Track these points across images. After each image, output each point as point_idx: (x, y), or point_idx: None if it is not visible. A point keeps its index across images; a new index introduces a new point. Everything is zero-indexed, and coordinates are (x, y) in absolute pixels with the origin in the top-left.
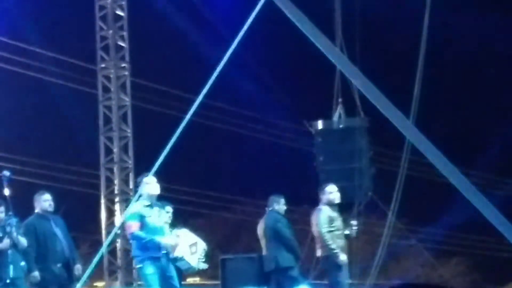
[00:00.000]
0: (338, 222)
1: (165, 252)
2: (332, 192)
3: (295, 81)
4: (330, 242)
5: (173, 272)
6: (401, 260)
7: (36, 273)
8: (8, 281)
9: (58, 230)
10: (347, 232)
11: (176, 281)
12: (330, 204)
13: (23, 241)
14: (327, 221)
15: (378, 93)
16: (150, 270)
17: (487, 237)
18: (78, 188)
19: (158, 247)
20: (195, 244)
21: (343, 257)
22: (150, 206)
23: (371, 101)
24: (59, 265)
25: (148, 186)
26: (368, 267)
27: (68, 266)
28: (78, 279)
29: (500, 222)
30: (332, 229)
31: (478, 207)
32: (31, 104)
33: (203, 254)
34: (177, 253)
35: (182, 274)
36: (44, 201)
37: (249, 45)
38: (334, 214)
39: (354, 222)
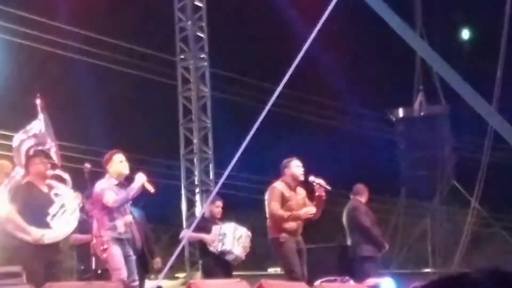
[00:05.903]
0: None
1: None
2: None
3: (375, 69)
4: None
5: None
6: (484, 248)
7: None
8: (99, 271)
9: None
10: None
11: None
12: None
13: None
14: None
15: (460, 79)
16: None
17: None
18: (158, 179)
19: None
20: (241, 237)
21: None
22: None
23: (452, 87)
24: (133, 257)
25: None
26: (452, 255)
27: (142, 259)
28: (159, 271)
29: None
30: None
31: None
32: (111, 96)
33: (247, 242)
34: (225, 246)
35: (232, 266)
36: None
37: (327, 34)
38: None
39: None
